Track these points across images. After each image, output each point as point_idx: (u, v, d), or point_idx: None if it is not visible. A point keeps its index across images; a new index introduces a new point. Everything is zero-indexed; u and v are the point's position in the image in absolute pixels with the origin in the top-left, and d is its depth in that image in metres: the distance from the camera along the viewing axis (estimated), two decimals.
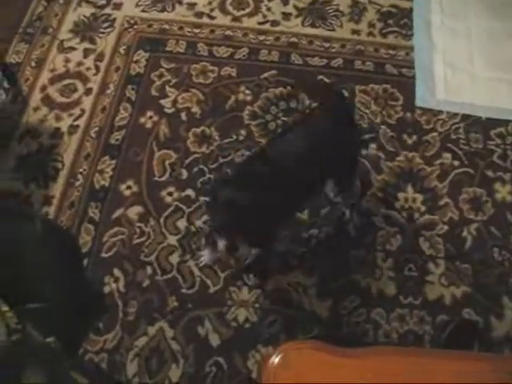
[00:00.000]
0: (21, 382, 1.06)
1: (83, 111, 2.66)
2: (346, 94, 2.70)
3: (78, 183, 2.46)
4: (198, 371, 2.06)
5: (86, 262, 2.24)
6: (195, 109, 2.66)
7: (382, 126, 2.62)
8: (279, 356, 1.39)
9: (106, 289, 2.20)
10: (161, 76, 2.77)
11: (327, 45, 2.88)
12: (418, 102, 2.70)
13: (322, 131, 1.97)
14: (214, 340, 2.13)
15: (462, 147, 2.59)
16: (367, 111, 2.69)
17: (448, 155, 2.56)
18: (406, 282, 2.25)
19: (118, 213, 2.38)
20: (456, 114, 2.68)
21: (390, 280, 2.25)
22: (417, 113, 2.66)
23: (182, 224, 2.34)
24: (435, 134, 2.61)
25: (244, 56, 2.83)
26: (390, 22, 2.97)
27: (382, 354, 1.59)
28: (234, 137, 2.57)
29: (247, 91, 2.70)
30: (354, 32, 2.94)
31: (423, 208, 2.42)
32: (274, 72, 2.76)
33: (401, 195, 2.45)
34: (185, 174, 2.48)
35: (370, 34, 2.94)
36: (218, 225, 1.90)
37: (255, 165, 1.90)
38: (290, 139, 1.95)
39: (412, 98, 2.69)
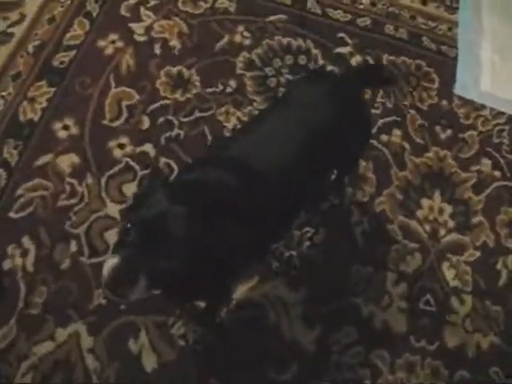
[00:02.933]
0: None
1: (23, 17, 2.23)
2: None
3: None
4: None
5: None
6: (174, 42, 2.24)
7: (411, 111, 2.21)
8: None
9: (7, 263, 1.78)
10: None
11: None
12: (458, 90, 2.32)
13: (320, 115, 1.48)
14: (149, 362, 1.70)
15: (505, 155, 2.20)
16: (394, 88, 2.25)
17: (487, 162, 2.18)
18: (421, 319, 1.87)
19: (44, 159, 1.96)
20: (502, 113, 2.30)
21: (400, 312, 1.86)
22: (455, 102, 2.27)
23: (130, 190, 1.93)
24: (474, 132, 2.22)
25: None
26: None
27: None
28: (220, 87, 2.17)
29: (246, 33, 2.28)
30: None
31: (451, 224, 2.03)
32: (283, 17, 2.34)
33: (425, 202, 2.05)
34: (146, 122, 2.07)
35: None
36: (145, 271, 1.13)
37: (213, 173, 1.34)
38: (270, 130, 1.46)
39: (451, 83, 2.31)
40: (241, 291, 1.77)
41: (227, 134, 2.04)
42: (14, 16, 2.20)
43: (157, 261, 1.09)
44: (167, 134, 2.03)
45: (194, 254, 1.12)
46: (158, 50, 2.20)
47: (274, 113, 1.54)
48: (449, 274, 1.93)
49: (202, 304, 1.69)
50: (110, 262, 1.09)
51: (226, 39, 2.25)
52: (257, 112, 2.08)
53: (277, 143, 1.40)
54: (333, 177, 1.86)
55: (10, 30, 2.17)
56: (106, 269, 1.09)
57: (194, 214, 1.14)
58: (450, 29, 2.45)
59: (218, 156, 1.43)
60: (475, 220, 2.04)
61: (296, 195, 1.44)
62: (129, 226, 1.13)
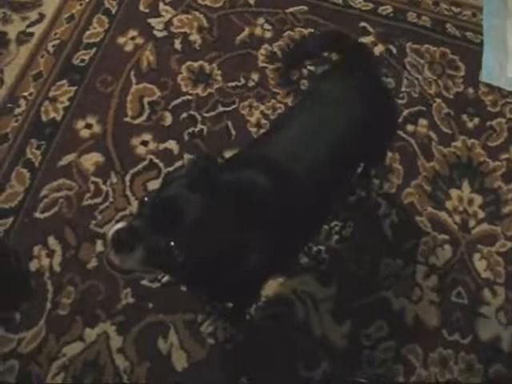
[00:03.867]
0: None
1: (42, 16, 2.19)
2: (394, 50, 2.25)
3: (18, 110, 2.00)
4: None
5: (10, 221, 1.79)
6: (195, 37, 2.19)
7: (437, 99, 2.15)
8: None
9: (34, 264, 1.74)
10: None
11: None
12: (484, 77, 2.25)
13: (350, 111, 1.43)
14: (180, 360, 1.65)
15: None
16: (419, 77, 2.19)
17: None
18: (453, 312, 1.81)
19: (67, 159, 1.92)
20: None
21: (431, 305, 1.80)
22: (481, 90, 2.21)
23: (154, 187, 1.87)
24: (502, 120, 2.15)
25: None
26: None
27: None
28: (243, 80, 2.12)
29: (267, 25, 2.24)
30: None
31: (481, 214, 1.97)
32: (304, 8, 2.29)
33: (454, 192, 1.99)
34: (169, 119, 2.02)
35: None
36: (169, 270, 1.20)
37: (245, 173, 1.27)
38: (301, 129, 1.41)
39: (477, 70, 2.25)
40: (270, 287, 1.72)
41: (258, 133, 1.97)
42: (33, 16, 2.16)
43: (158, 237, 1.06)
44: (190, 130, 1.98)
45: (200, 249, 1.09)
46: (178, 45, 2.15)
47: (303, 110, 1.48)
48: (480, 265, 1.86)
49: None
50: (116, 226, 1.08)
51: (246, 32, 2.20)
52: (280, 105, 2.03)
53: (308, 142, 1.35)
54: (359, 169, 1.80)
55: (29, 30, 2.13)
56: (110, 231, 1.08)
57: (210, 207, 1.11)
58: (474, 14, 2.37)
59: (250, 155, 1.38)
60: (506, 210, 1.97)
61: (328, 194, 1.39)
62: (146, 199, 1.12)
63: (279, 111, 2.02)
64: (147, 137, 1.96)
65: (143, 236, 1.06)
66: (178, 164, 1.91)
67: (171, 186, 1.13)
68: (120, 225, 1.08)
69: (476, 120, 2.12)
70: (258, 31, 2.20)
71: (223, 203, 1.12)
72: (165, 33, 2.17)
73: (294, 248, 1.45)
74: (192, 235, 1.07)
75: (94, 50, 2.11)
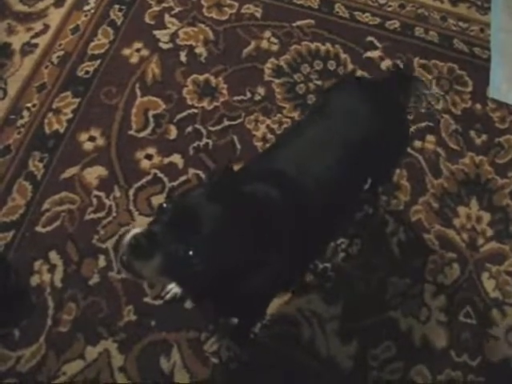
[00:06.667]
0: None
1: (47, 27, 2.16)
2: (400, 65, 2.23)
3: (21, 122, 1.96)
4: None
5: (10, 235, 1.74)
6: (200, 49, 2.17)
7: (445, 115, 2.13)
8: None
9: (34, 279, 1.70)
10: (160, 0, 2.26)
11: (383, 1, 2.38)
12: (492, 93, 2.23)
13: (361, 126, 1.41)
14: (182, 380, 1.61)
15: None
16: (426, 92, 2.17)
17: None
18: (461, 332, 1.76)
19: (70, 172, 1.89)
20: None
21: (439, 326, 1.76)
22: (489, 106, 2.19)
23: (158, 202, 1.83)
24: (511, 136, 2.13)
25: None
26: None
27: None
28: (249, 94, 2.08)
29: (273, 39, 2.22)
30: None
31: (490, 232, 1.93)
32: (310, 21, 2.28)
33: (462, 210, 1.95)
34: (174, 132, 1.99)
35: None
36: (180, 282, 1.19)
37: (258, 188, 1.24)
38: (312, 143, 1.39)
39: (484, 86, 2.22)
40: (275, 306, 1.67)
41: (264, 148, 1.93)
42: (37, 27, 2.13)
43: (177, 246, 1.02)
44: (195, 144, 1.95)
45: (218, 260, 1.06)
46: (183, 58, 2.12)
47: (314, 123, 1.45)
48: (489, 284, 1.82)
49: (236, 319, 1.60)
50: (134, 231, 1.03)
51: (252, 45, 2.18)
52: (286, 119, 2.01)
53: (318, 155, 1.33)
54: (366, 186, 1.75)
55: (33, 41, 2.09)
56: (128, 236, 1.03)
57: (230, 218, 1.08)
58: (482, 30, 2.35)
59: (260, 169, 1.35)
60: None
61: (338, 208, 1.36)
62: (165, 205, 1.08)
63: (285, 126, 1.98)
64: (151, 150, 1.93)
65: (162, 243, 1.02)
66: (182, 178, 1.86)
67: (192, 194, 1.11)
68: (138, 229, 1.03)
69: (484, 136, 2.09)
70: (264, 44, 2.18)
71: (243, 215, 1.09)
72: (170, 45, 2.14)
73: (304, 262, 1.42)
74: (211, 245, 1.04)
75: (98, 61, 2.08)
